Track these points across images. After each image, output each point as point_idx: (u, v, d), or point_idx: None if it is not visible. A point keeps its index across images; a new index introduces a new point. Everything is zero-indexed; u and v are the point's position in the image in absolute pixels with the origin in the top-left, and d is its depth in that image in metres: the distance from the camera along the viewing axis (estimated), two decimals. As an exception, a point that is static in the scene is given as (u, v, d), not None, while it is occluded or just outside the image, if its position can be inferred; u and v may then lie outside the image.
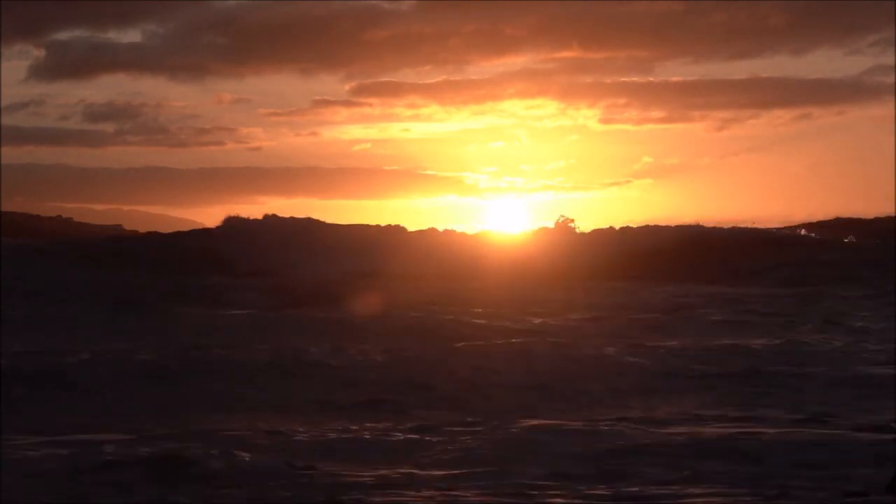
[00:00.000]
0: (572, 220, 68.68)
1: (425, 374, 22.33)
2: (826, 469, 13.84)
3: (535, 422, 17.09)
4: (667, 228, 68.00)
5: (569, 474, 13.57)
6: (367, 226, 66.15)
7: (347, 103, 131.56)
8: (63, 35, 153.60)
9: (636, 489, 12.78)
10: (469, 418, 17.74)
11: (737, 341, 28.42)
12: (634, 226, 68.16)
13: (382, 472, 13.71)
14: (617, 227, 68.15)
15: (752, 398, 20.21)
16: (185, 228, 75.14)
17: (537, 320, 34.47)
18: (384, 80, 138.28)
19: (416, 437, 16.10)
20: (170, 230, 71.40)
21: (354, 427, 17.04)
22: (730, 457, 14.58)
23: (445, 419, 17.76)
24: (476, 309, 37.33)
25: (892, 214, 77.43)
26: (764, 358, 25.34)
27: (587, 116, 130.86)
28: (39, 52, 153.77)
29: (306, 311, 36.30)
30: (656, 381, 22.26)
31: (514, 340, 27.60)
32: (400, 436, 16.21)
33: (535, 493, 12.63)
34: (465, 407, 19.42)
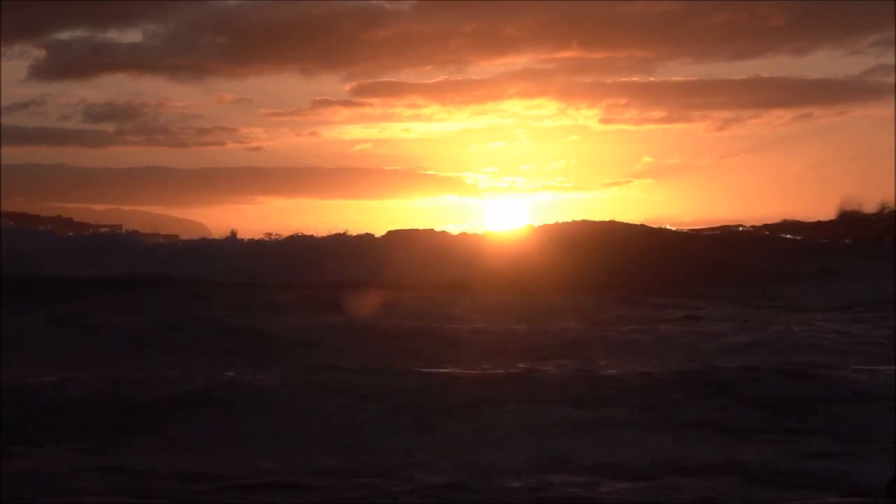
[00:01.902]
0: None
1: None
2: (824, 467, 13.83)
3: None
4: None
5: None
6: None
7: (348, 103, 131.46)
8: (63, 35, 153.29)
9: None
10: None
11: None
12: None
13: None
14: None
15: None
16: (186, 229, 74.80)
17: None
18: (385, 80, 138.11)
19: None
20: (171, 230, 71.31)
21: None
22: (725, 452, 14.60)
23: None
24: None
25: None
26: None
27: (587, 116, 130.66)
28: (39, 52, 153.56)
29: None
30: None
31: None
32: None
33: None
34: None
